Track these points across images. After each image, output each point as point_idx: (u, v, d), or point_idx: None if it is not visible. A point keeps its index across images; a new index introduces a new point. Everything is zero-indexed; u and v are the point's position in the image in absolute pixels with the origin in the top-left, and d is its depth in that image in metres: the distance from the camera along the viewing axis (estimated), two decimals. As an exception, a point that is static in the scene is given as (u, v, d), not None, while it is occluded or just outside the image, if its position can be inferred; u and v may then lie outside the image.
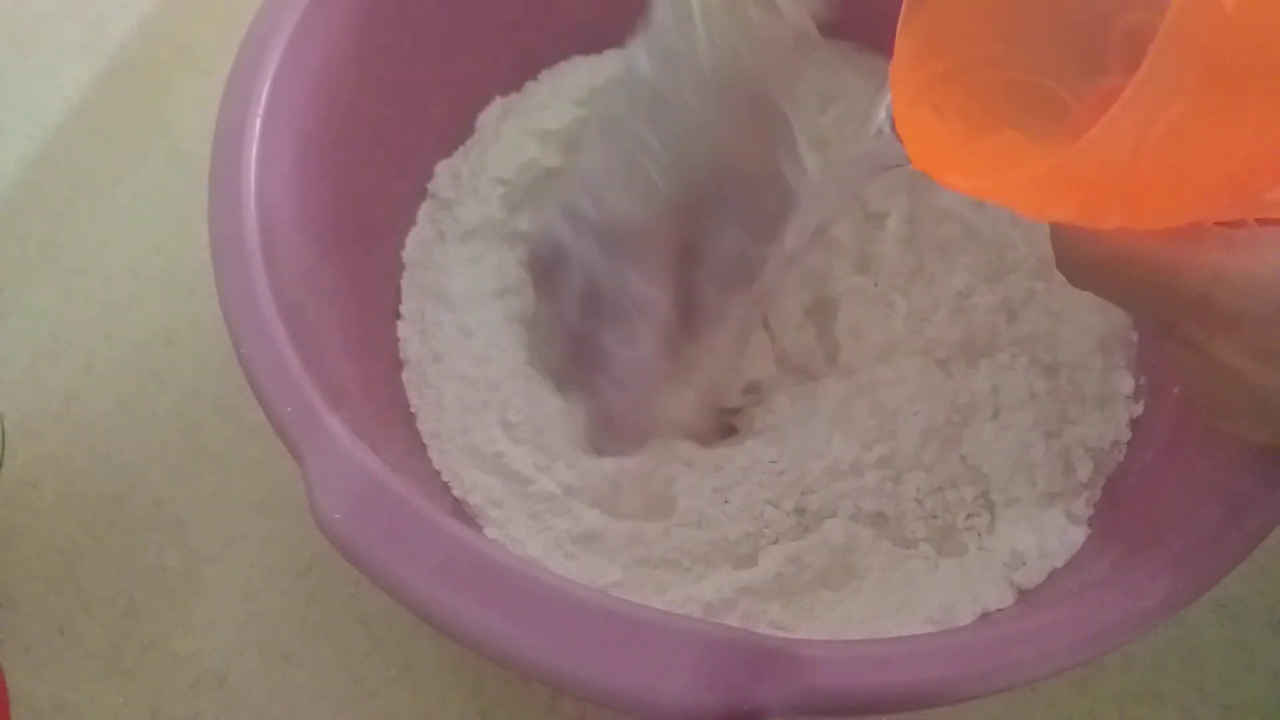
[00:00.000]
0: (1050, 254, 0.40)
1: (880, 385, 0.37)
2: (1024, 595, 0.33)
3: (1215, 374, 0.23)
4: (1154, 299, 0.23)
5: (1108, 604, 0.26)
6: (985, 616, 0.32)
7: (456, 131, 0.43)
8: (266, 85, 0.32)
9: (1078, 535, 0.33)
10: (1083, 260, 0.23)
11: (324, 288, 0.34)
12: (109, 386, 0.42)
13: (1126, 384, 0.37)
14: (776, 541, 0.35)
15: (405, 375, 0.38)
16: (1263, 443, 0.27)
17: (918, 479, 0.36)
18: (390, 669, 0.36)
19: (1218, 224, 0.22)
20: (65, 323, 0.43)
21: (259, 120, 0.32)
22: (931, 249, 0.40)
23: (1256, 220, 0.22)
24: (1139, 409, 0.36)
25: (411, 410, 0.37)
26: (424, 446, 0.37)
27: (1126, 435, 0.36)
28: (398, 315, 0.40)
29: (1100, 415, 0.36)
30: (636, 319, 0.35)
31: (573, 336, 0.37)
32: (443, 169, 0.42)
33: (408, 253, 0.41)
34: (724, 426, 0.39)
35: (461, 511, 0.35)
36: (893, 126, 0.26)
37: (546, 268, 0.37)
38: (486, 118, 0.43)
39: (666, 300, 0.35)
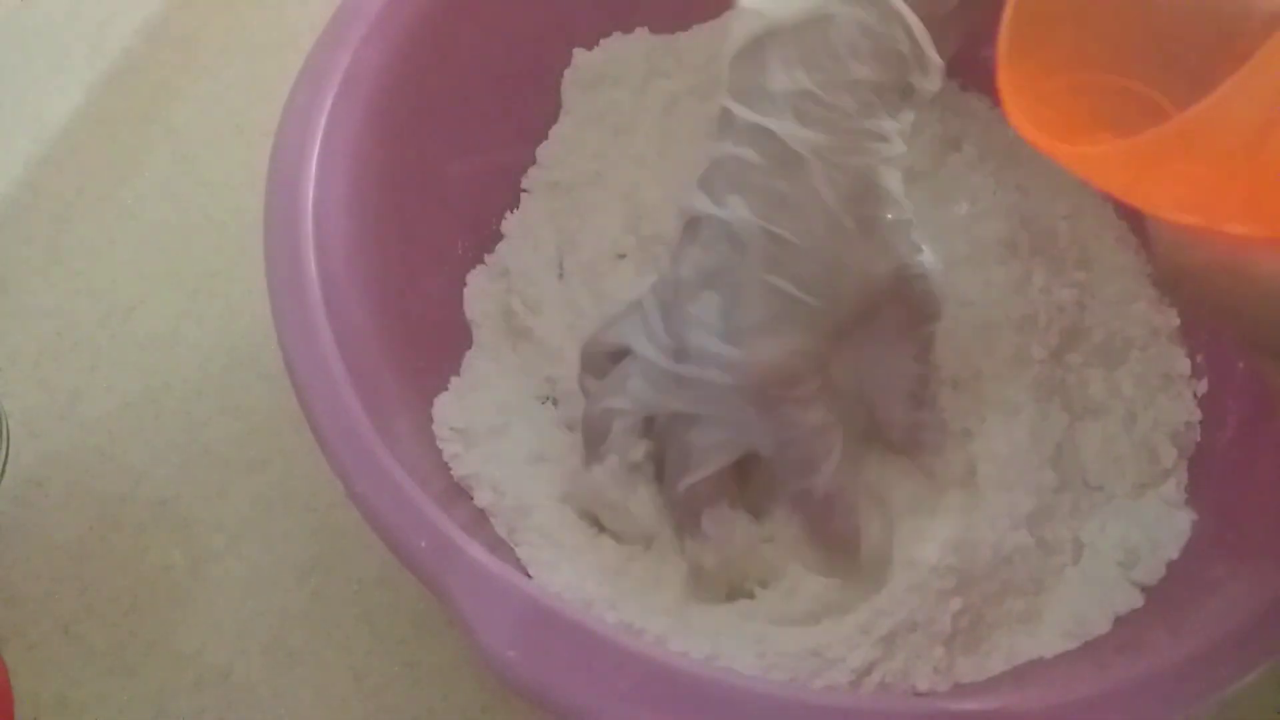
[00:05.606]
0: (1092, 242, 0.38)
1: (998, 404, 0.36)
2: (1150, 593, 0.32)
3: None
4: (1272, 322, 0.20)
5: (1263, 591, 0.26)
6: (1120, 620, 0.31)
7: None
8: (313, 167, 0.32)
9: (1183, 522, 0.33)
10: (1189, 269, 0.20)
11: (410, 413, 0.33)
12: (113, 386, 0.42)
13: (1183, 364, 0.36)
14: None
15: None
16: None
17: (1033, 496, 0.34)
18: (393, 666, 0.37)
19: None
20: (70, 323, 0.43)
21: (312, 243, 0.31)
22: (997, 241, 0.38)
23: None
24: (1203, 386, 0.36)
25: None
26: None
27: (1198, 414, 0.36)
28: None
29: (1167, 397, 0.36)
30: (819, 448, 0.32)
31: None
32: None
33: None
34: None
35: None
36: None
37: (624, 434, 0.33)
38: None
39: (836, 416, 0.33)
